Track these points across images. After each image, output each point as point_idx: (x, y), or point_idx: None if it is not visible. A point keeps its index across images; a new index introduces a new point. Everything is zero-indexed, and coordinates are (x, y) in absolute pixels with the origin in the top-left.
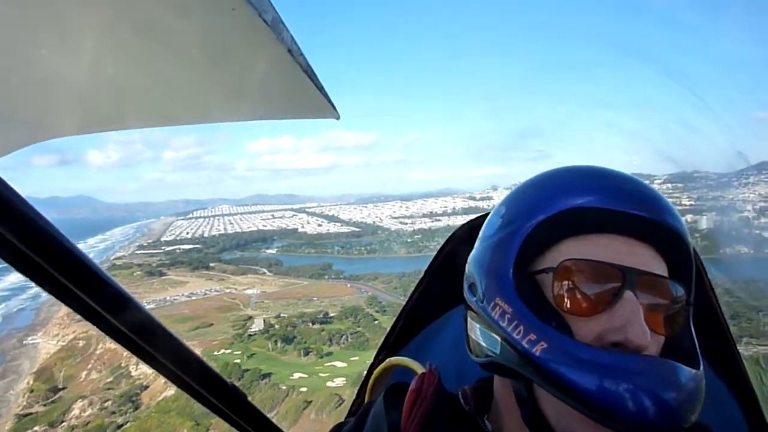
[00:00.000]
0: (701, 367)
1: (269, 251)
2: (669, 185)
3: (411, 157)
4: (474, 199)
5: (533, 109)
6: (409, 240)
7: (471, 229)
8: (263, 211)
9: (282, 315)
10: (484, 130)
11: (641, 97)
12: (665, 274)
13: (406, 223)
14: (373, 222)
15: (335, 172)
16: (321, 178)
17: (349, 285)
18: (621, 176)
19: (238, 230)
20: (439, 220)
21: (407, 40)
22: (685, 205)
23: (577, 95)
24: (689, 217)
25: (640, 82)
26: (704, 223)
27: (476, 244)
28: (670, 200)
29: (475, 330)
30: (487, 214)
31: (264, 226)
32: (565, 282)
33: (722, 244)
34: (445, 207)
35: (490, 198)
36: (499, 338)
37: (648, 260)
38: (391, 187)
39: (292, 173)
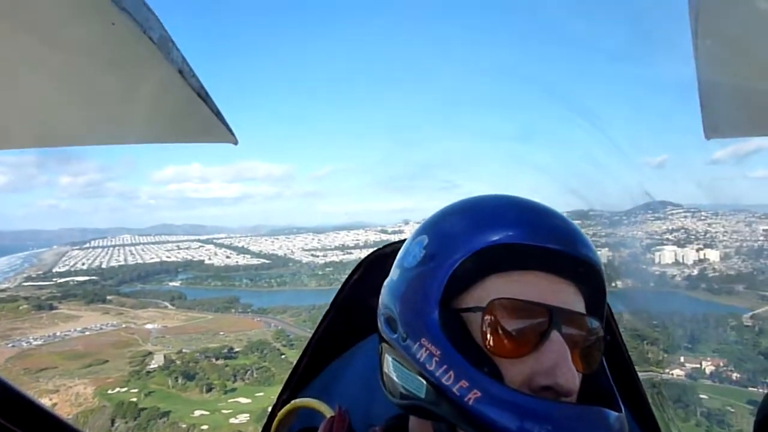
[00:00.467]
0: (622, 409)
1: (173, 284)
2: None
3: (324, 189)
4: (386, 232)
5: (440, 140)
6: (320, 272)
7: (378, 259)
8: (168, 242)
9: (184, 350)
10: (393, 161)
11: (550, 133)
12: (584, 310)
13: (318, 256)
14: (284, 254)
15: (246, 202)
16: (231, 208)
17: (256, 319)
18: (542, 209)
19: (140, 261)
20: (351, 253)
21: (323, 73)
22: None
23: (485, 127)
24: None
25: (550, 118)
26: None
27: (393, 274)
28: None
29: (394, 369)
30: (394, 243)
31: (168, 257)
32: (494, 322)
33: (614, 278)
34: (357, 240)
35: (401, 231)
36: (424, 381)
37: (571, 298)
38: (303, 219)
39: (200, 203)
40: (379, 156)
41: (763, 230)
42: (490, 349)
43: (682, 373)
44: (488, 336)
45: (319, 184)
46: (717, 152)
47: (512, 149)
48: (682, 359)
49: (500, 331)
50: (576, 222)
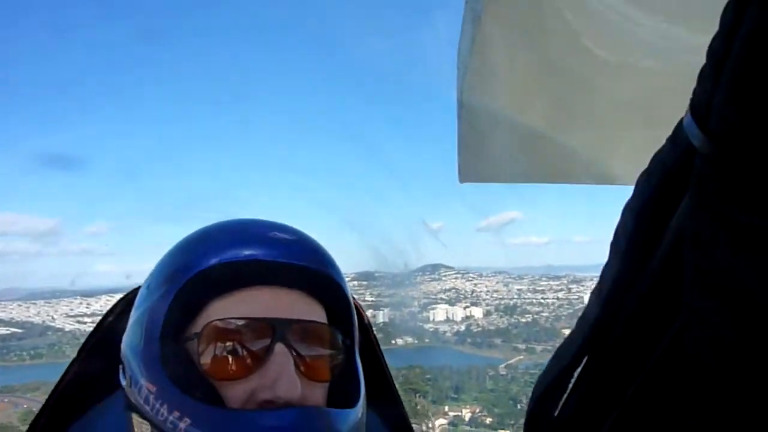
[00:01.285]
0: (358, 405)
1: None
2: (356, 282)
3: (99, 247)
4: None
5: (218, 170)
6: None
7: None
8: None
9: None
10: (167, 193)
11: (339, 171)
12: (323, 319)
13: (86, 323)
14: (43, 321)
15: None
16: None
17: (5, 399)
18: (264, 224)
19: None
20: None
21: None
22: (368, 300)
23: (267, 158)
24: (370, 312)
25: (342, 157)
26: (381, 317)
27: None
28: (357, 296)
29: (132, 420)
30: None
31: None
32: (214, 346)
33: (394, 336)
34: None
35: None
36: (148, 425)
37: (300, 307)
38: (71, 281)
39: None
40: (155, 190)
41: (517, 289)
42: (210, 374)
43: (445, 421)
44: (205, 361)
45: (94, 240)
46: (482, 222)
47: (297, 182)
48: (446, 408)
49: (219, 354)
50: (364, 283)
